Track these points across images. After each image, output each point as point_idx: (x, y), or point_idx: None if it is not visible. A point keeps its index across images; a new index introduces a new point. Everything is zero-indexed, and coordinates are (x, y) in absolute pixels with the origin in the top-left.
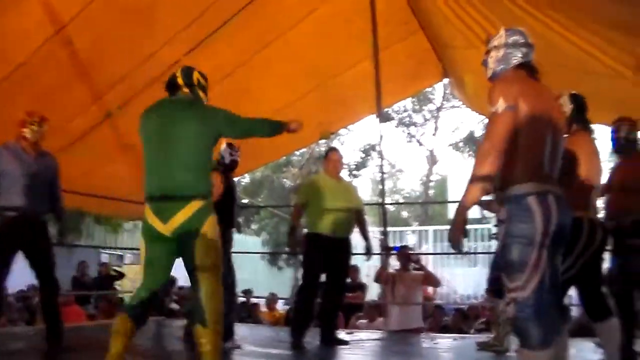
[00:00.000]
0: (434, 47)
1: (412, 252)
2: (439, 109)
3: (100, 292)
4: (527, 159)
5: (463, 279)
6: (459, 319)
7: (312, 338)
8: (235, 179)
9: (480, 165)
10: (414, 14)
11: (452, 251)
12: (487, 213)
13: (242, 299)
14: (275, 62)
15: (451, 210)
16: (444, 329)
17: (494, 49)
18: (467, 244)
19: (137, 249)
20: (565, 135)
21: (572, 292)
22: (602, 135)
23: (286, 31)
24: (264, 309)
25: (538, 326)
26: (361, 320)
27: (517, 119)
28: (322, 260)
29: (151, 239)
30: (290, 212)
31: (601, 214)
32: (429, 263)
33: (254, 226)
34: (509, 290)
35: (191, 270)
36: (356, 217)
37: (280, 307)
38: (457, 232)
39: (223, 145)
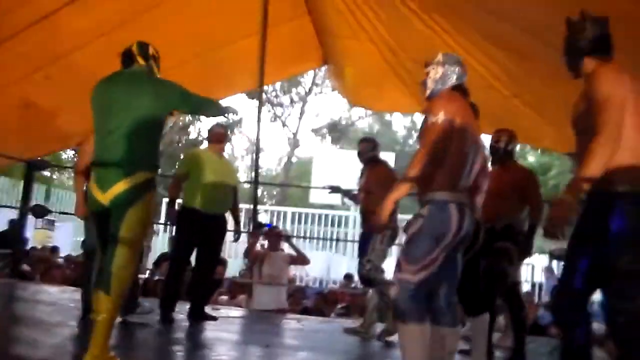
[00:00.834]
0: (317, 33)
1: (280, 232)
2: (307, 93)
3: None
4: (452, 170)
5: (315, 262)
6: (321, 302)
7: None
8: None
9: (414, 166)
10: None
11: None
12: (347, 201)
13: None
14: (158, 25)
15: (313, 194)
16: (305, 311)
17: (432, 70)
18: (323, 229)
19: None
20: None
21: None
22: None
23: None
24: None
25: (415, 304)
26: (222, 297)
27: (452, 131)
28: (195, 236)
29: (93, 208)
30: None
31: None
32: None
33: None
34: (400, 270)
35: (111, 237)
36: (232, 195)
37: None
38: (381, 220)
39: None
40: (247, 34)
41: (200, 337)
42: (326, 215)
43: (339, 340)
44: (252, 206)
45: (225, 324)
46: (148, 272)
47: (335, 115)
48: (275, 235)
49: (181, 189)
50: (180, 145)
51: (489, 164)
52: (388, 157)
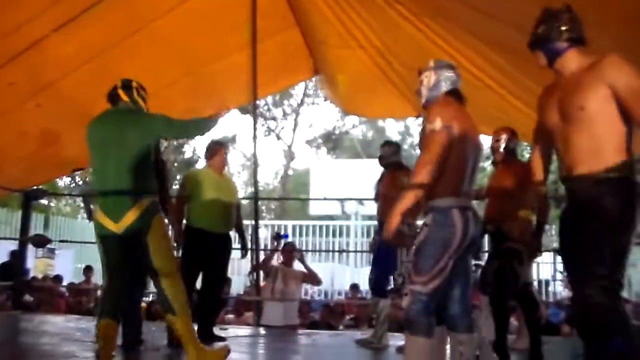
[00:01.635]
0: (307, 44)
1: (296, 248)
2: (299, 105)
3: None
4: (453, 175)
5: (318, 274)
6: (328, 315)
7: None
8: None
9: (418, 175)
10: (291, 9)
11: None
12: (347, 209)
13: None
14: (146, 47)
15: (312, 206)
16: (313, 325)
17: (425, 78)
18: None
19: None
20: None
21: None
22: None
23: (161, 16)
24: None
25: (425, 318)
26: (228, 315)
27: (450, 138)
28: (201, 256)
29: (103, 238)
30: None
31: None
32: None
33: None
34: (411, 282)
35: (149, 270)
36: (236, 213)
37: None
38: (391, 233)
39: None
40: (235, 49)
41: None
42: (327, 226)
43: (352, 352)
44: (253, 222)
45: (234, 345)
46: (152, 295)
47: (329, 125)
48: (290, 251)
49: (184, 211)
50: (175, 165)
51: (492, 164)
52: None
